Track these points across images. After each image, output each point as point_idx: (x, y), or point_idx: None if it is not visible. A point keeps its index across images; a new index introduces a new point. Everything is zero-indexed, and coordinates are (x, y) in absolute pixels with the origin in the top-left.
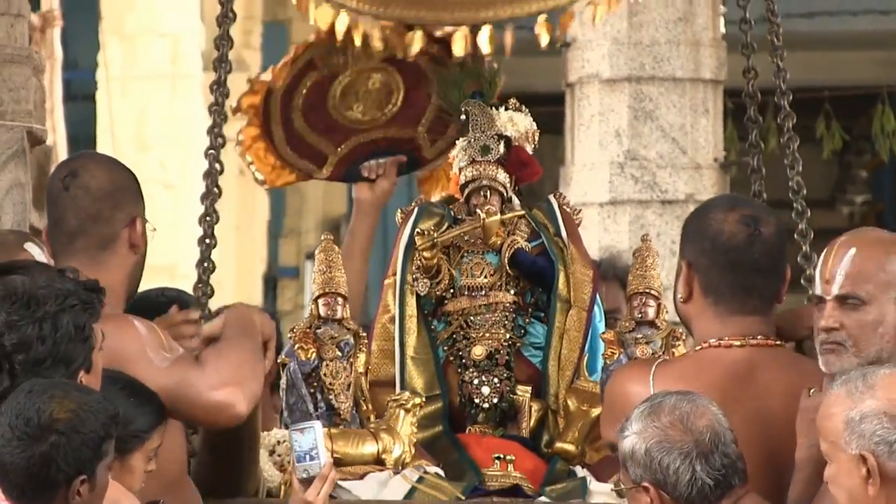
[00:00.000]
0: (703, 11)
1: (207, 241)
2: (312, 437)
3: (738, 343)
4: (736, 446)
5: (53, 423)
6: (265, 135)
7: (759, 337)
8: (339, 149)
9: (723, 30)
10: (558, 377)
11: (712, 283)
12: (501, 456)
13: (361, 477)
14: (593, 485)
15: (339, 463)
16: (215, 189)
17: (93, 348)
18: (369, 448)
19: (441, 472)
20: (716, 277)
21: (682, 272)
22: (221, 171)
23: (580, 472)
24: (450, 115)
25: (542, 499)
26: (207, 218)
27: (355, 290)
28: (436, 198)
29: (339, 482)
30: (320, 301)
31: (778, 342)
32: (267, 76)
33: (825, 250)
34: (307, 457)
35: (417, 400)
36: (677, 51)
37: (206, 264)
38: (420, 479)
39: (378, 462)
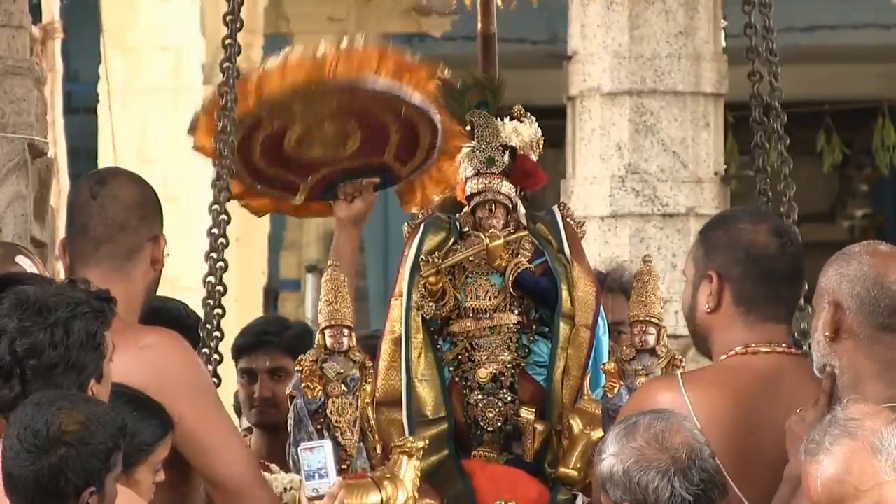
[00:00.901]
0: (704, 25)
1: (216, 252)
2: (322, 456)
3: (765, 350)
4: (714, 460)
5: (63, 435)
6: (236, 178)
7: (783, 345)
8: (308, 178)
9: (724, 43)
10: (562, 396)
11: (746, 292)
12: (503, 502)
13: None
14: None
15: None
16: (224, 197)
17: (104, 357)
18: (373, 498)
19: None
20: (750, 287)
21: (705, 283)
22: (233, 174)
23: (580, 501)
24: (416, 141)
25: None
26: (215, 230)
27: None
28: (420, 208)
29: None
30: (327, 332)
31: (800, 351)
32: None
33: None
34: (316, 475)
35: (420, 444)
36: (678, 64)
37: (216, 268)
38: None
39: None
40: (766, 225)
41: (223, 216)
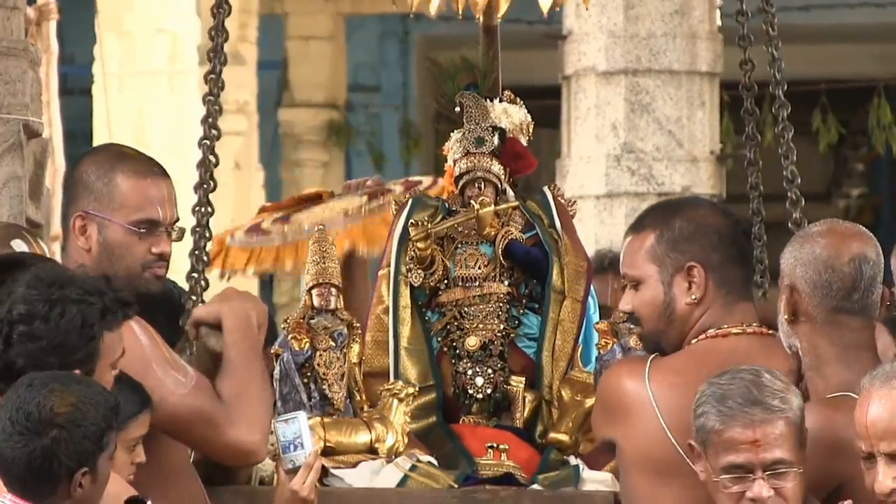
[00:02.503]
0: (699, 4)
1: (199, 229)
2: (297, 427)
3: (736, 331)
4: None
5: (54, 417)
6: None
7: (753, 325)
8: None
9: (719, 22)
10: (552, 368)
11: (727, 276)
12: (494, 445)
13: (354, 465)
14: (586, 472)
15: (331, 452)
16: (211, 181)
17: (96, 351)
18: (362, 437)
19: (434, 461)
20: (729, 270)
21: (680, 277)
22: (217, 164)
23: (574, 461)
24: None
25: (535, 486)
26: (200, 208)
27: (364, 306)
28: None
29: (332, 470)
30: (314, 291)
31: (771, 331)
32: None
33: None
34: (292, 447)
35: (411, 389)
36: (674, 44)
37: (198, 253)
38: (413, 468)
39: (371, 451)
40: (717, 208)
41: (208, 209)
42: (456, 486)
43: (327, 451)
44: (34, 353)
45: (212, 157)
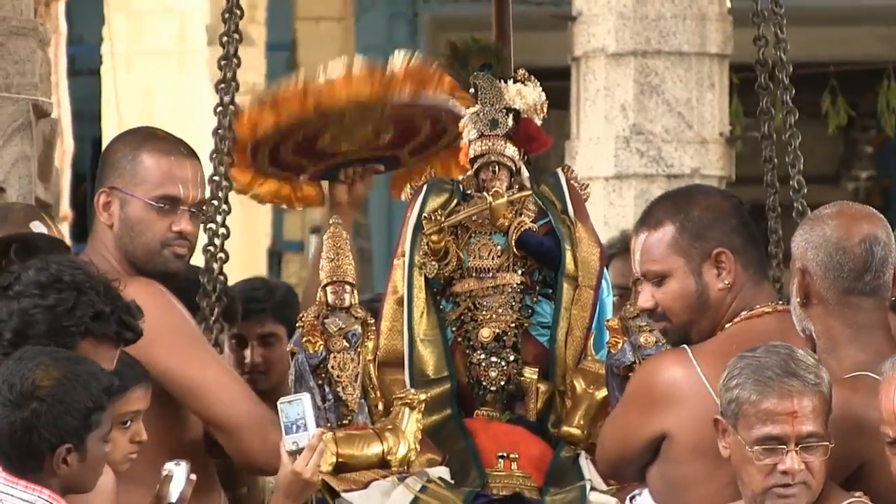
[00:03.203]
0: None
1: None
2: (301, 409)
3: (768, 310)
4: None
5: (35, 390)
6: (245, 162)
7: (781, 302)
8: (319, 163)
9: (729, 4)
10: (565, 357)
11: (751, 257)
12: (505, 454)
13: (365, 485)
14: (592, 495)
15: (344, 467)
16: (225, 183)
17: (69, 346)
18: (374, 449)
19: (446, 476)
20: (751, 251)
21: (708, 265)
22: (235, 141)
23: (584, 464)
24: (437, 140)
25: None
26: (216, 177)
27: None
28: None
29: (343, 495)
30: (328, 289)
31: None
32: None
33: None
34: (295, 427)
35: (422, 396)
36: (683, 25)
37: (213, 247)
38: (423, 489)
39: (383, 463)
40: (723, 193)
41: (224, 183)
42: None
43: (340, 466)
44: (15, 312)
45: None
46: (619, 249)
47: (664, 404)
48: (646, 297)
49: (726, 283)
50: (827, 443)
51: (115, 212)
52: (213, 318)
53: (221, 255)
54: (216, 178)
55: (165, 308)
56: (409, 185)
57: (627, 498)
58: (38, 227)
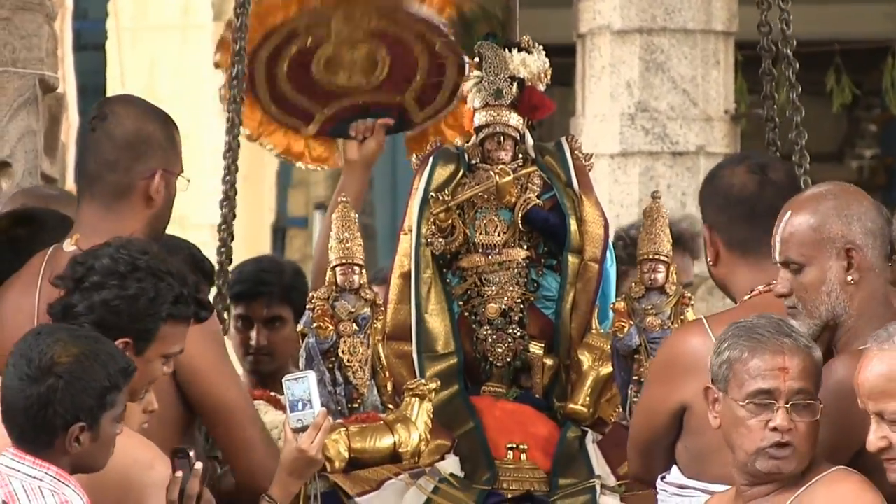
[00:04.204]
0: None
1: (228, 198)
2: (306, 386)
3: None
4: None
5: (53, 366)
6: (250, 92)
7: None
8: (324, 108)
9: None
10: (571, 330)
11: (736, 236)
12: (514, 446)
13: (378, 485)
14: (602, 499)
15: (357, 461)
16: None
17: (152, 332)
18: (386, 442)
19: (456, 470)
20: (739, 230)
21: (706, 238)
22: (241, 122)
23: (591, 448)
24: (440, 84)
25: None
26: (227, 178)
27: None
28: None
29: (356, 498)
30: (337, 270)
31: None
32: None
33: None
34: (300, 405)
35: (432, 386)
36: (689, 2)
37: (225, 226)
38: (435, 489)
39: (395, 456)
40: (744, 165)
41: (234, 162)
42: None
43: (353, 462)
44: (96, 305)
45: (237, 121)
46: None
47: (682, 375)
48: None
49: (709, 260)
50: (817, 402)
51: (162, 192)
52: (219, 297)
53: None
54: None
55: (213, 325)
56: (415, 155)
57: (659, 477)
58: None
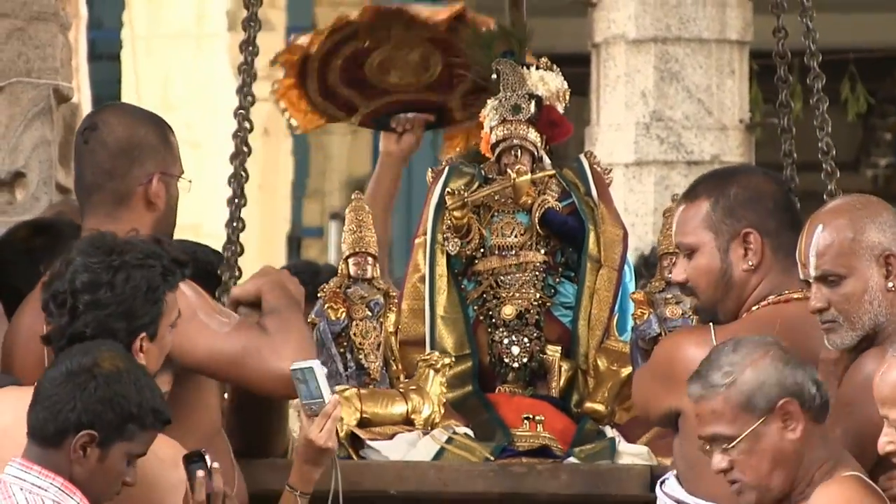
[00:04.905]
0: None
1: (237, 200)
2: (313, 377)
3: (797, 296)
4: None
5: (94, 367)
6: (299, 86)
7: None
8: (370, 102)
9: None
10: (588, 337)
11: (783, 242)
12: (531, 416)
13: (391, 437)
14: (622, 445)
15: (368, 423)
16: (245, 149)
17: (161, 314)
18: (398, 408)
19: (470, 433)
20: (785, 236)
21: (736, 244)
22: (251, 130)
23: (609, 432)
24: (486, 88)
25: (571, 459)
26: (235, 178)
27: (379, 239)
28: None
29: (368, 442)
30: (350, 260)
31: None
32: (305, 40)
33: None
34: (310, 394)
35: (447, 360)
36: (703, 11)
37: (235, 224)
38: (449, 440)
39: (407, 422)
40: (770, 175)
41: (244, 152)
42: (492, 458)
43: (364, 423)
44: (102, 320)
45: (247, 124)
46: None
47: (680, 381)
48: (679, 269)
49: (751, 263)
50: (738, 442)
51: (162, 195)
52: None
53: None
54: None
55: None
56: (430, 169)
57: (658, 483)
58: None
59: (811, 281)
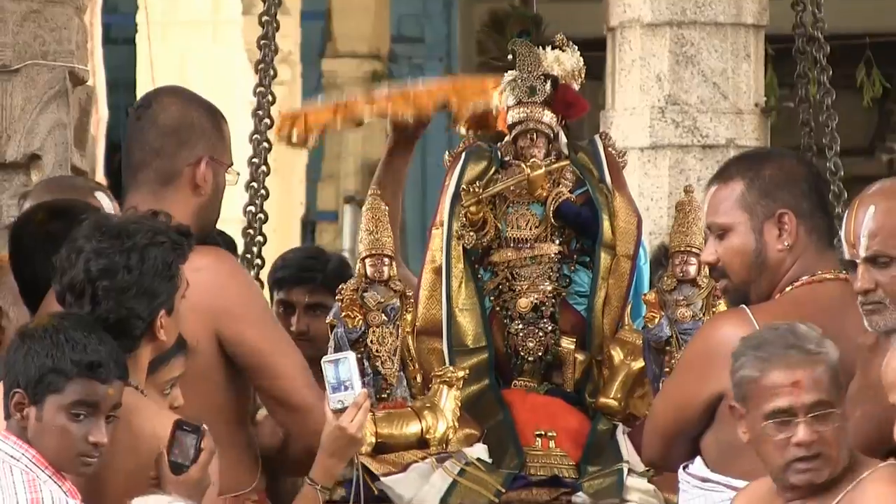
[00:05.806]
0: None
1: (258, 191)
2: (347, 368)
3: (830, 277)
4: None
5: (28, 330)
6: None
7: (844, 271)
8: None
9: None
10: (603, 326)
11: (817, 223)
12: (543, 433)
13: (404, 468)
14: (629, 480)
15: (384, 447)
16: (266, 144)
17: (177, 288)
18: (413, 428)
19: (484, 456)
20: (819, 217)
21: (770, 224)
22: (274, 101)
23: (622, 439)
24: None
25: (580, 494)
26: (255, 159)
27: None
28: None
29: (382, 479)
30: (367, 262)
31: None
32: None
33: (846, 212)
34: (342, 387)
35: (460, 374)
36: None
37: (254, 211)
38: (461, 472)
39: (422, 442)
40: (801, 159)
41: (264, 144)
42: (503, 490)
43: (379, 447)
44: (123, 303)
45: (268, 120)
46: None
47: (723, 363)
48: (710, 250)
49: (786, 244)
50: (836, 410)
51: (209, 180)
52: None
53: (261, 215)
54: (256, 136)
55: (244, 284)
56: (447, 152)
57: (681, 467)
58: (102, 197)
59: (858, 262)
